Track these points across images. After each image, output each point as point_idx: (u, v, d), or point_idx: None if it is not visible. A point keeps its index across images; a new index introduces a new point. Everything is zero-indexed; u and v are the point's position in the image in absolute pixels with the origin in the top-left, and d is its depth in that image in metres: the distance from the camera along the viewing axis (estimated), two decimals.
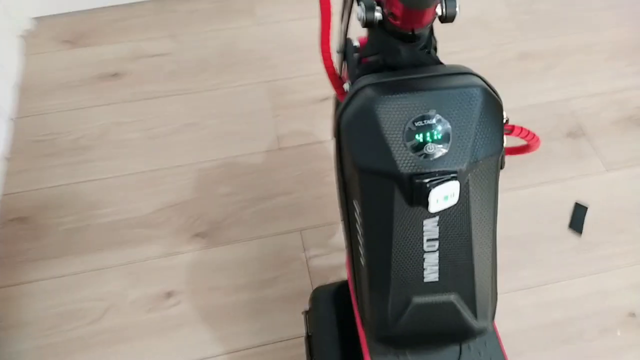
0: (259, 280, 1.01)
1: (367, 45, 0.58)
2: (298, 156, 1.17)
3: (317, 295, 0.75)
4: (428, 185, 0.46)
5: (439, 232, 0.50)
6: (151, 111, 1.22)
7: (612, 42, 1.38)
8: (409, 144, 0.47)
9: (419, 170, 0.47)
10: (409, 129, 0.47)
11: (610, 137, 1.22)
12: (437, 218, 0.50)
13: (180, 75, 1.28)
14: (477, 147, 0.48)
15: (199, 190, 1.11)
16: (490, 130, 0.48)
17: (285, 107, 1.24)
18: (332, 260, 1.04)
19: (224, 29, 1.37)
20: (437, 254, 0.52)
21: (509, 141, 0.59)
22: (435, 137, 0.47)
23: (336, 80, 0.61)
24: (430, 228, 0.50)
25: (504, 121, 0.52)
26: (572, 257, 1.05)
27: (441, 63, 0.54)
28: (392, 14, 0.50)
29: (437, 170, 0.47)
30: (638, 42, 1.39)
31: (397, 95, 0.47)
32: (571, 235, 1.08)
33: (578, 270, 1.04)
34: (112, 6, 1.38)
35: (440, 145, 0.47)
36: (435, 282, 0.53)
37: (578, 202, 1.12)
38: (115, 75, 1.27)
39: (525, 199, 1.12)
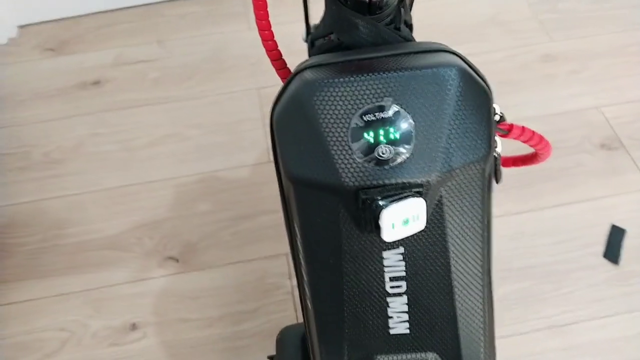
0: (236, 312, 0.88)
1: (320, 23, 0.46)
2: None
3: (284, 337, 0.62)
4: (379, 203, 0.33)
5: (406, 269, 0.37)
6: (130, 121, 1.12)
7: None
8: (355, 145, 0.34)
9: (367, 182, 0.33)
10: (356, 124, 0.34)
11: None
12: (401, 249, 0.36)
13: (164, 83, 1.18)
14: (451, 150, 0.34)
15: (175, 208, 1.00)
16: (472, 128, 0.35)
17: None
18: None
19: (215, 33, 1.26)
20: (404, 297, 0.38)
21: (511, 149, 0.44)
22: (391, 136, 0.33)
23: (278, 60, 0.48)
24: (393, 262, 0.37)
25: (497, 118, 0.38)
26: (606, 291, 0.89)
27: (409, 41, 0.41)
28: None
29: (393, 182, 0.33)
30: None
31: (342, 79, 0.34)
32: (606, 265, 0.91)
33: (613, 308, 0.87)
34: (99, 12, 1.30)
35: (399, 148, 0.33)
36: (406, 334, 0.39)
37: (615, 225, 0.95)
38: (95, 83, 1.18)
39: (550, 221, 0.96)
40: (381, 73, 0.34)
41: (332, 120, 0.34)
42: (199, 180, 1.03)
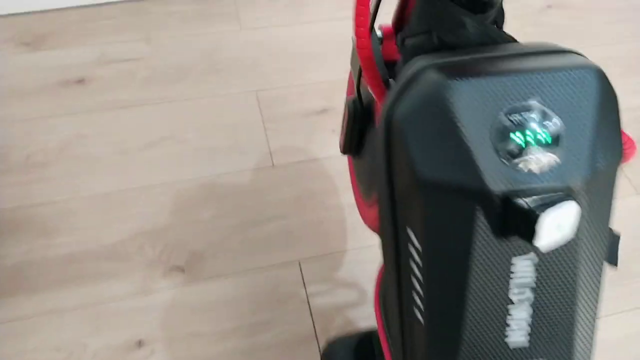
0: (250, 323, 0.84)
1: (413, 21, 0.44)
2: (293, 175, 1.01)
3: (333, 350, 0.59)
4: (535, 208, 0.31)
5: (537, 277, 0.36)
6: (121, 122, 1.05)
7: (624, 57, 1.29)
8: (501, 146, 0.32)
9: (517, 187, 0.32)
10: (501, 124, 0.32)
11: (636, 158, 1.10)
12: (532, 255, 0.35)
13: (156, 83, 1.11)
14: (596, 152, 0.33)
15: (176, 215, 0.94)
16: (609, 131, 0.34)
17: (278, 120, 1.09)
18: (338, 298, 0.87)
19: (206, 33, 1.21)
20: (529, 306, 0.37)
21: None
22: (540, 138, 0.32)
23: (374, 71, 0.46)
24: (522, 269, 0.35)
25: None
26: (606, 291, 0.92)
27: (516, 42, 0.40)
28: None
29: (542, 186, 0.32)
30: None
31: (478, 79, 0.33)
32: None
33: (614, 307, 0.90)
34: (79, 6, 1.22)
35: (548, 150, 0.32)
36: (523, 346, 0.38)
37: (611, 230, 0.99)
38: (80, 81, 1.10)
39: None
40: (522, 73, 0.33)
41: (473, 121, 0.32)
42: (201, 185, 0.98)
